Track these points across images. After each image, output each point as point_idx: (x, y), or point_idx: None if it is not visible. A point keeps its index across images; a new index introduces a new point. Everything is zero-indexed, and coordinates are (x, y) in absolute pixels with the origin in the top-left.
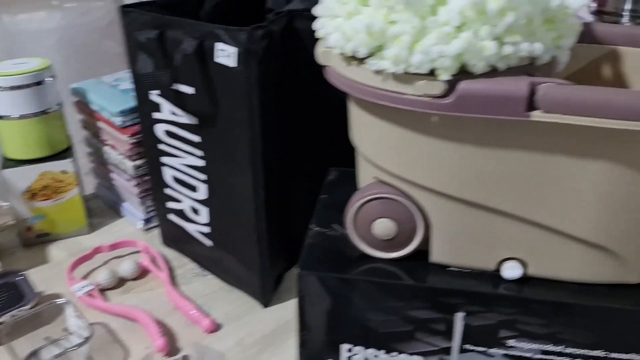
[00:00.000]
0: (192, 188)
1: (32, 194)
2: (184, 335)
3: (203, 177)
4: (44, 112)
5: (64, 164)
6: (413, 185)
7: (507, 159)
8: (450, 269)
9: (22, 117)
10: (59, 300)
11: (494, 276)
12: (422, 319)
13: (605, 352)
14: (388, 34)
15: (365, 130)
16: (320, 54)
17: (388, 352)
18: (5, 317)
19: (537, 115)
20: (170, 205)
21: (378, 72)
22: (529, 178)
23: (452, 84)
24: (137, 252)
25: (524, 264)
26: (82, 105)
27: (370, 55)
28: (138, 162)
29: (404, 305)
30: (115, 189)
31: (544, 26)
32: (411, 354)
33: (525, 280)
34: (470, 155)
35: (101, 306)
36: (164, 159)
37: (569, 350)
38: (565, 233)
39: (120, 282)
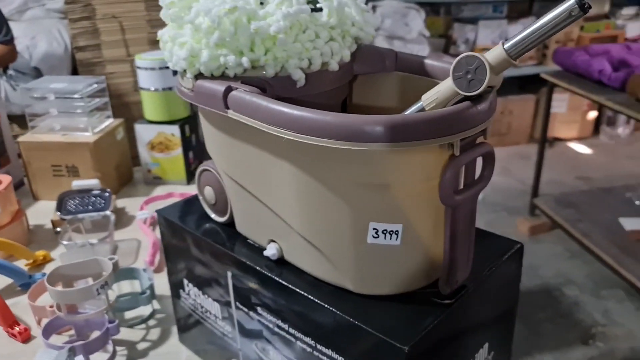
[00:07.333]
0: None
1: (152, 146)
2: None
3: None
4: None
5: (173, 129)
6: (216, 163)
7: (241, 149)
8: (248, 240)
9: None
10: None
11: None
12: (213, 270)
13: (313, 341)
14: (163, 39)
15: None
16: None
17: (203, 294)
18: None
19: (230, 113)
20: None
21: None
22: (255, 167)
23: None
24: None
25: (280, 248)
26: None
27: None
28: None
29: (201, 255)
30: None
31: (264, 48)
32: (214, 299)
33: (282, 262)
34: (228, 141)
35: (143, 229)
36: None
37: (292, 330)
38: (289, 224)
39: None
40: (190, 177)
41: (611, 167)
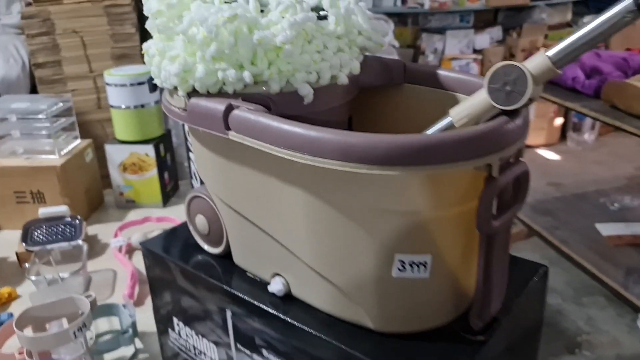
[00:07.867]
0: None
1: (124, 167)
2: None
3: None
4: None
5: (147, 149)
6: (210, 189)
7: (242, 174)
8: (247, 274)
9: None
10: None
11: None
12: (208, 308)
13: None
14: (149, 53)
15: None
16: None
17: (197, 334)
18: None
19: (232, 135)
20: None
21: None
22: (259, 194)
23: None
24: None
25: (287, 282)
26: None
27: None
28: None
29: (194, 291)
30: None
31: (267, 60)
32: (210, 340)
33: (289, 298)
34: (226, 165)
35: (118, 258)
36: None
37: None
38: (298, 257)
39: None
40: (166, 200)
41: (580, 172)
